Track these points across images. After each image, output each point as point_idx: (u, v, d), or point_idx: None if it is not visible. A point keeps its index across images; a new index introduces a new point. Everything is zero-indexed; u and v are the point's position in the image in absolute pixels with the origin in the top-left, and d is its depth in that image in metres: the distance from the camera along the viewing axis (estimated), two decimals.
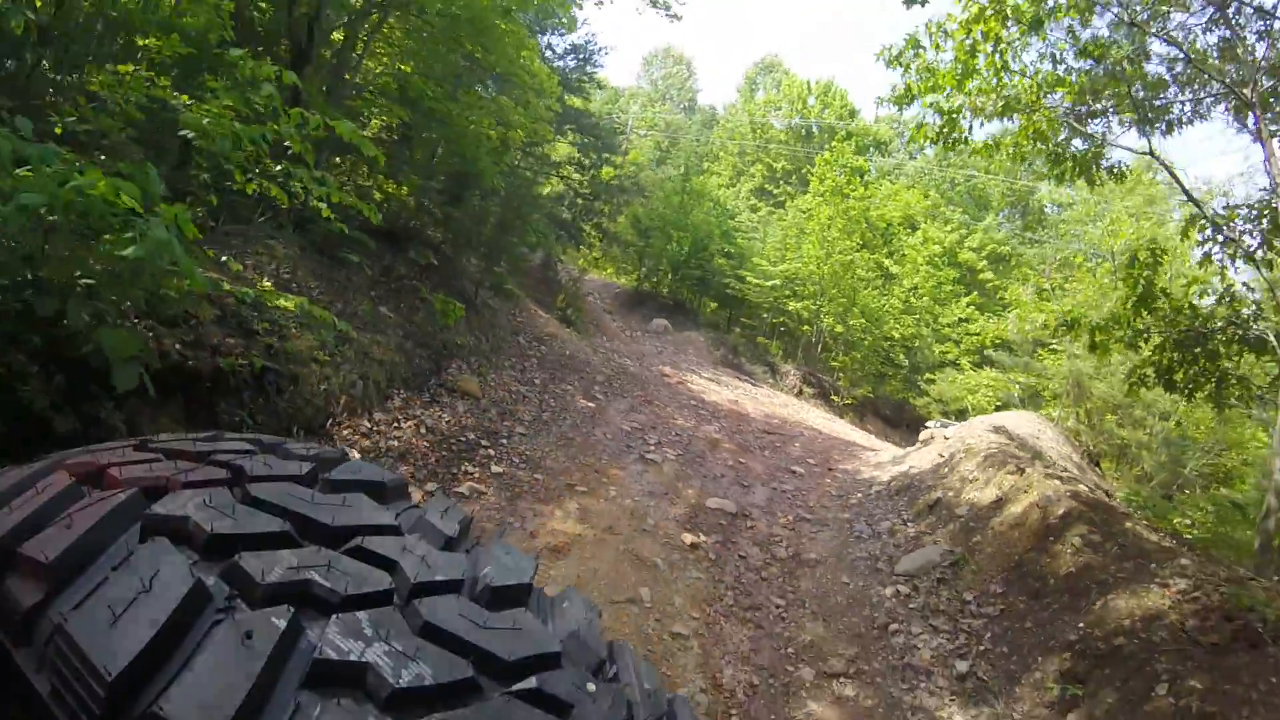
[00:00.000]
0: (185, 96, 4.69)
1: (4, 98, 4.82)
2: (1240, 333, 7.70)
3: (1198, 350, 8.02)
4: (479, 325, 10.57)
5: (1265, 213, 7.76)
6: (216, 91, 4.44)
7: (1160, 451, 13.48)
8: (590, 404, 9.57)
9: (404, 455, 5.87)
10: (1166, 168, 8.04)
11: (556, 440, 7.67)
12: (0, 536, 0.85)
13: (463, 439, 6.69)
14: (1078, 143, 8.63)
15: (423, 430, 6.50)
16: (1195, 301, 8.05)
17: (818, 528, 6.99)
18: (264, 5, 8.71)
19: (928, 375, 21.36)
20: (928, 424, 12.39)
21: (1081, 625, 4.30)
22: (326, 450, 1.41)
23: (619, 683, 1.00)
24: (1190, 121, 8.86)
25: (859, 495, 8.08)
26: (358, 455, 5.79)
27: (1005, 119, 7.23)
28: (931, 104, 6.86)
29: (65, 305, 3.04)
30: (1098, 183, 8.70)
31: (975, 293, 26.30)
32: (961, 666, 4.34)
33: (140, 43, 4.94)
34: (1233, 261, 8.07)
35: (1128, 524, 5.51)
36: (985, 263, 28.15)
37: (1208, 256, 8.13)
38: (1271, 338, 7.19)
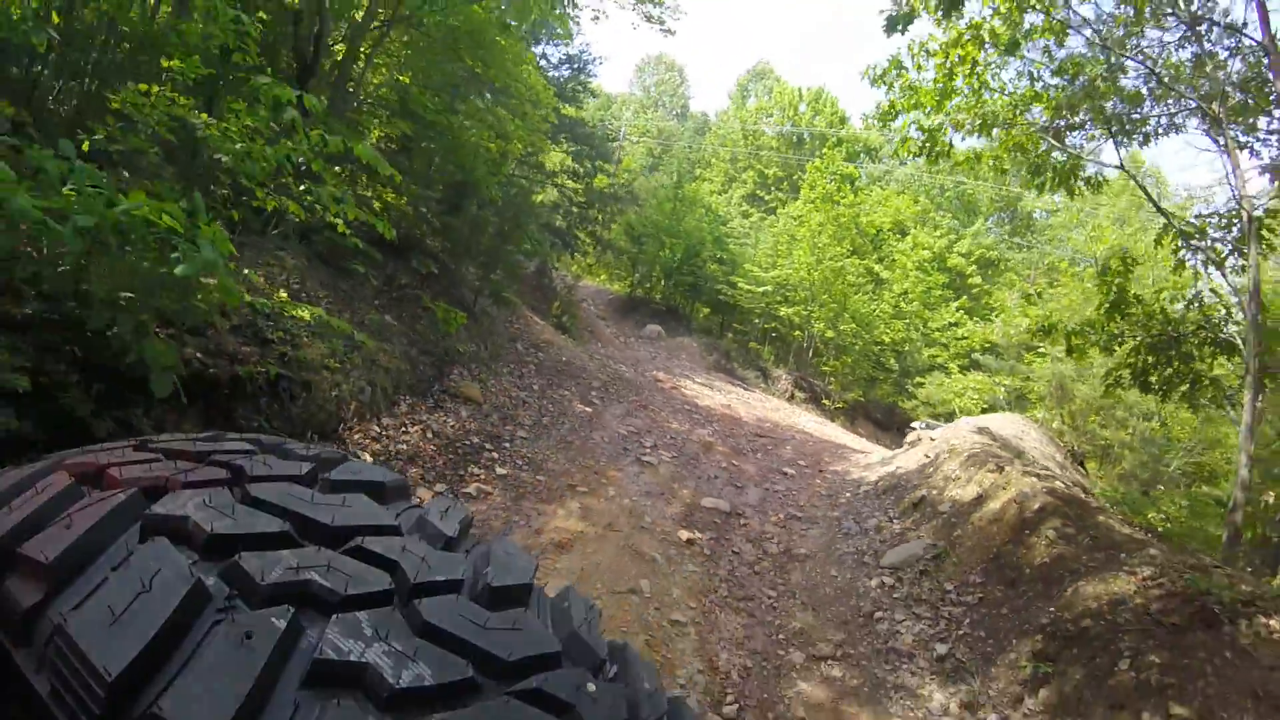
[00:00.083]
0: (204, 115, 4.96)
1: (26, 113, 5.07)
2: (1212, 335, 8.07)
3: (1172, 353, 8.37)
4: (478, 332, 10.84)
5: (1234, 221, 8.15)
6: (238, 112, 4.72)
7: (1141, 451, 13.86)
8: (587, 409, 9.85)
9: (413, 458, 6.14)
10: (1136, 181, 8.42)
11: (556, 443, 7.95)
12: (0, 536, 0.85)
13: (467, 442, 6.97)
14: (1057, 154, 9.02)
15: (429, 434, 6.77)
16: (1167, 306, 8.39)
17: (808, 525, 7.29)
18: (265, 18, 8.98)
19: (918, 379, 21.74)
20: (912, 425, 12.73)
21: (1053, 610, 4.61)
22: (326, 450, 1.42)
23: (619, 683, 0.99)
24: (1166, 133, 9.25)
25: (848, 495, 8.38)
26: (368, 458, 6.06)
27: (984, 135, 7.57)
28: (913, 121, 7.20)
29: (116, 318, 3.30)
30: (1077, 193, 9.08)
31: (964, 297, 26.73)
32: (941, 649, 4.65)
33: (165, 64, 5.19)
34: (1206, 268, 8.46)
35: (1100, 518, 5.83)
36: (974, 268, 28.57)
37: (1182, 263, 8.52)
38: (1238, 340, 7.53)
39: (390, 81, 11.22)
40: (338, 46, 9.91)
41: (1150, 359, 8.42)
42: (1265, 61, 7.98)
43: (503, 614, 0.95)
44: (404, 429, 6.64)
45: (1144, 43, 8.67)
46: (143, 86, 4.88)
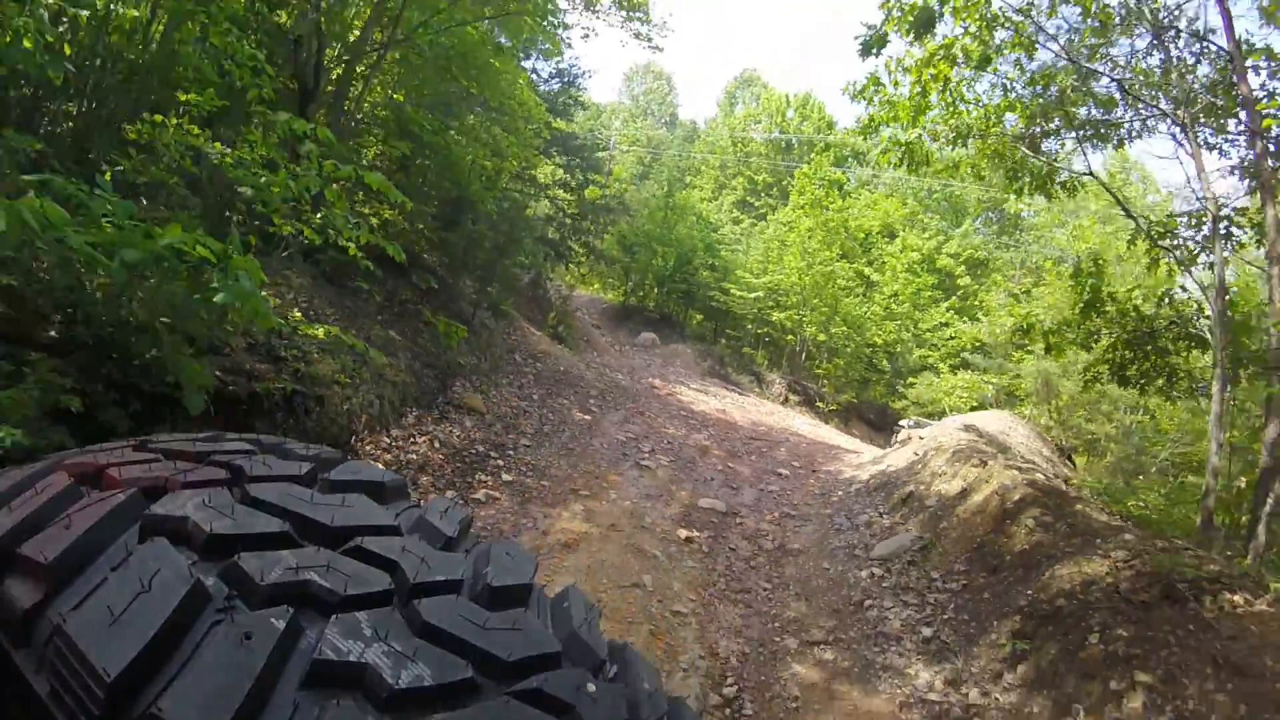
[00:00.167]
0: (218, 145, 5.24)
1: (49, 147, 5.34)
2: (1184, 330, 8.41)
3: (1148, 348, 8.72)
4: (478, 345, 11.13)
5: (1203, 221, 8.51)
6: (254, 143, 5.02)
7: (1125, 443, 14.22)
8: (586, 416, 10.14)
9: (423, 467, 6.43)
10: (1105, 185, 8.75)
11: (558, 450, 8.24)
12: (0, 537, 0.85)
13: (473, 451, 7.26)
14: (1034, 160, 9.37)
15: (436, 444, 7.06)
16: (1140, 304, 8.74)
17: (801, 522, 7.59)
18: (266, 40, 9.27)
19: (909, 379, 22.10)
20: (901, 423, 13.06)
21: (1031, 592, 4.92)
22: (326, 450, 1.42)
23: (619, 683, 0.99)
24: (1139, 136, 9.63)
25: (840, 493, 8.70)
26: (381, 468, 6.35)
27: (960, 145, 7.90)
28: (890, 136, 7.54)
29: (160, 341, 3.59)
30: (1054, 196, 9.44)
31: (954, 298, 27.10)
32: (927, 632, 4.96)
33: (182, 98, 5.48)
34: (1180, 266, 8.81)
35: (1079, 506, 6.15)
36: (963, 268, 28.93)
37: (1156, 262, 8.87)
38: (1208, 334, 7.87)
39: (386, 101, 11.54)
40: (335, 71, 10.21)
41: (1127, 354, 8.75)
42: (1231, 66, 8.36)
43: (502, 614, 0.95)
44: (412, 440, 6.93)
45: (1114, 50, 9.05)
46: (157, 118, 5.15)
